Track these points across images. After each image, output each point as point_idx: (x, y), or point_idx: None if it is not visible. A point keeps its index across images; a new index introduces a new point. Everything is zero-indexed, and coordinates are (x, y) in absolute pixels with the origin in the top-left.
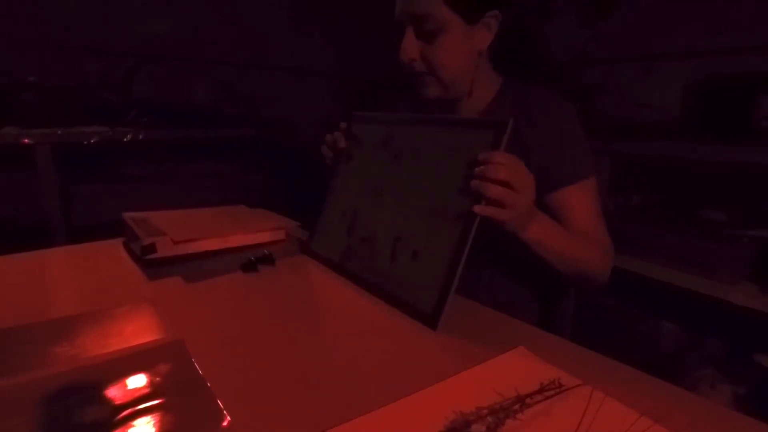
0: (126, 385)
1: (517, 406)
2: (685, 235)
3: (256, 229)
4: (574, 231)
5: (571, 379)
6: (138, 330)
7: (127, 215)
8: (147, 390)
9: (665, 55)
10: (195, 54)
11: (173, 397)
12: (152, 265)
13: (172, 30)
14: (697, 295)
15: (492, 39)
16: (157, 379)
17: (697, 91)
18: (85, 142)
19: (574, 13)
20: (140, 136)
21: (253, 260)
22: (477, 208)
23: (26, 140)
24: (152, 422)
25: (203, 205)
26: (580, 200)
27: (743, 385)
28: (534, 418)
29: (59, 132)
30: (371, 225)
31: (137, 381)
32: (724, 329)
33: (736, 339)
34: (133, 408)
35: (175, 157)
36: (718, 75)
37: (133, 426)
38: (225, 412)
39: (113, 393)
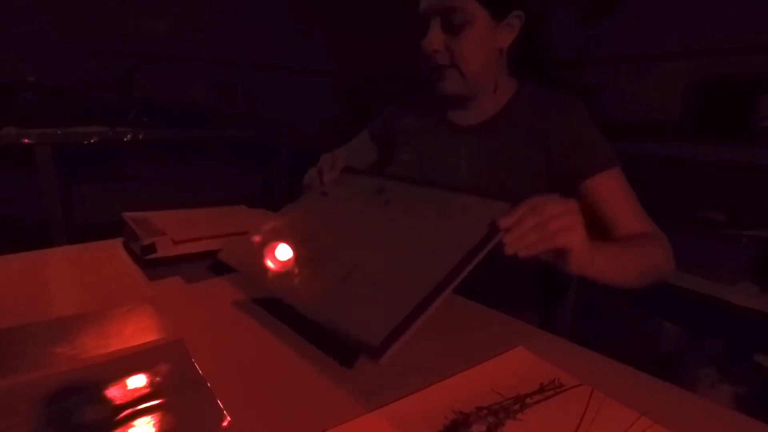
0: (126, 385)
1: (517, 406)
2: (685, 235)
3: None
4: (618, 217)
5: (571, 379)
6: (138, 330)
7: (127, 215)
8: (147, 390)
9: (665, 55)
10: (195, 54)
11: (173, 397)
12: (152, 265)
13: (172, 30)
14: (697, 295)
15: (513, 39)
16: (157, 379)
17: (697, 91)
18: (85, 142)
19: (574, 13)
20: (140, 136)
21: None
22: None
23: (26, 140)
24: (152, 422)
25: (203, 205)
26: (615, 186)
27: (743, 385)
28: (534, 418)
29: (59, 132)
30: (324, 248)
31: (137, 381)
32: (724, 329)
33: (736, 339)
34: (133, 408)
35: (175, 157)
36: (718, 75)
37: (133, 426)
38: (225, 412)
39: (113, 393)
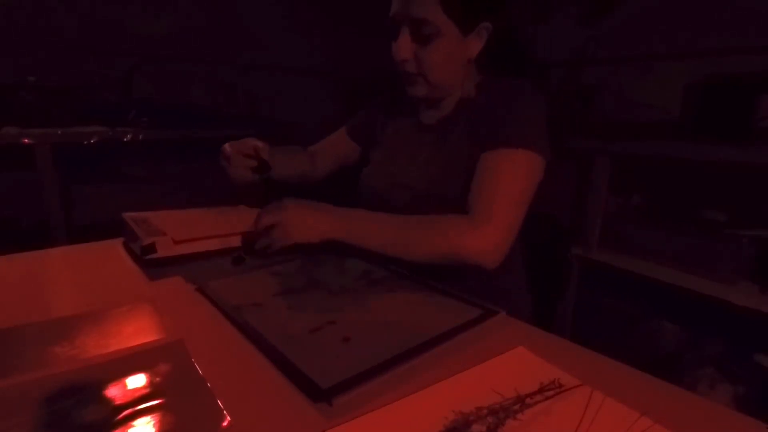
0: (126, 385)
1: (517, 406)
2: (685, 235)
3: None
4: (470, 196)
5: (571, 379)
6: (138, 330)
7: (127, 215)
8: (147, 390)
9: (665, 55)
10: (195, 54)
11: (173, 397)
12: (152, 265)
13: (172, 30)
14: (697, 295)
15: (481, 48)
16: (157, 379)
17: (697, 91)
18: (85, 142)
19: (573, 12)
20: (140, 136)
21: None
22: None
23: (26, 140)
24: (152, 422)
25: (203, 205)
26: (494, 166)
27: (743, 385)
28: (534, 418)
29: (59, 132)
30: (304, 302)
31: (137, 381)
32: (724, 329)
33: (736, 339)
34: (133, 408)
35: (175, 157)
36: (718, 75)
37: (133, 426)
38: (225, 412)
39: (113, 393)
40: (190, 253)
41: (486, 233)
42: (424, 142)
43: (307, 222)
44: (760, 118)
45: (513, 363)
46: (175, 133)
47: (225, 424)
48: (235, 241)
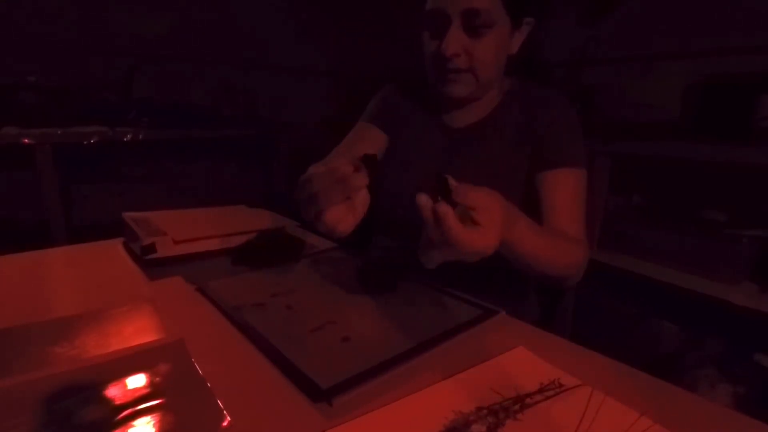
0: (126, 385)
1: (517, 406)
2: (685, 235)
3: (256, 229)
4: (553, 216)
5: (571, 379)
6: (138, 330)
7: (127, 215)
8: (147, 390)
9: (665, 55)
10: (195, 54)
11: (173, 397)
12: (152, 265)
13: (172, 30)
14: (697, 295)
15: (521, 43)
16: (157, 379)
17: (697, 91)
18: (85, 142)
19: (573, 12)
20: (140, 136)
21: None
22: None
23: (26, 140)
24: (152, 422)
25: (203, 205)
26: (566, 185)
27: (743, 385)
28: (534, 418)
29: (59, 132)
30: (305, 302)
31: (137, 381)
32: (724, 329)
33: (736, 339)
34: (133, 408)
35: (175, 157)
36: (718, 75)
37: (133, 426)
38: (225, 412)
39: (113, 393)
40: (190, 253)
41: (587, 257)
42: (453, 145)
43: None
44: (760, 118)
45: (513, 363)
46: (175, 133)
47: (225, 424)
48: (236, 241)
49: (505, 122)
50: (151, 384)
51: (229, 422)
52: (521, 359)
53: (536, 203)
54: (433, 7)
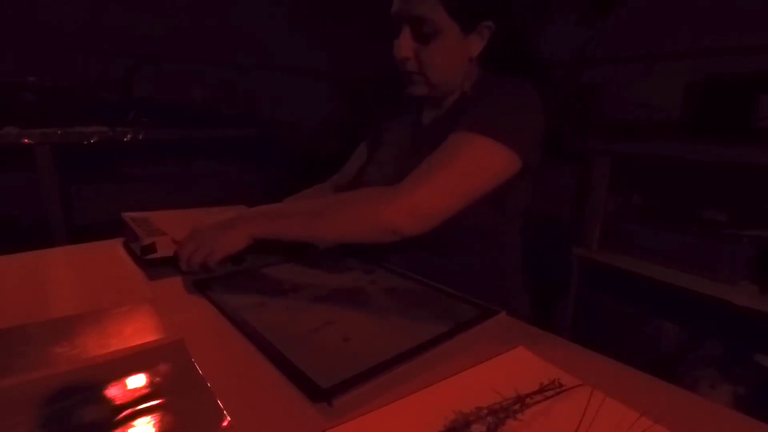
0: (126, 385)
1: (517, 406)
2: (685, 235)
3: None
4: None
5: (571, 379)
6: (138, 330)
7: (127, 215)
8: (147, 390)
9: (665, 55)
10: (195, 54)
11: (173, 397)
12: (152, 265)
13: (172, 30)
14: (697, 295)
15: (483, 47)
16: (157, 379)
17: (698, 91)
18: (85, 142)
19: (574, 12)
20: (140, 136)
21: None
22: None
23: (26, 140)
24: (152, 422)
25: (203, 205)
26: (446, 146)
27: (743, 385)
28: (534, 418)
29: (59, 132)
30: (304, 302)
31: (137, 381)
32: (724, 329)
33: (736, 339)
34: (133, 408)
35: (175, 157)
36: (718, 75)
37: (133, 426)
38: (225, 412)
39: (113, 393)
40: None
41: (404, 200)
42: (421, 141)
43: (225, 232)
44: (760, 118)
45: (513, 363)
46: (175, 133)
47: (225, 424)
48: None
49: (460, 113)
50: (151, 384)
51: (229, 422)
52: (521, 359)
53: None
54: (391, 12)
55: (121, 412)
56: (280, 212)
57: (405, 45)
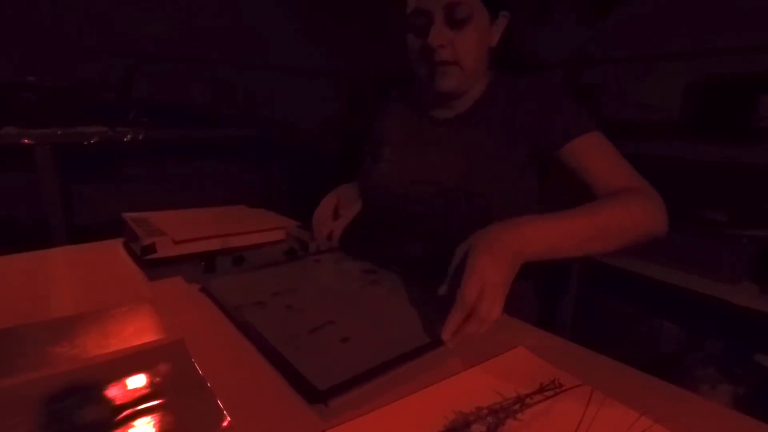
0: (126, 385)
1: (517, 406)
2: (685, 235)
3: (256, 229)
4: (593, 178)
5: (571, 379)
6: (138, 330)
7: (127, 215)
8: (147, 390)
9: (665, 55)
10: (195, 54)
11: (173, 397)
12: (152, 265)
13: (172, 30)
14: (697, 295)
15: (499, 38)
16: (157, 379)
17: (697, 91)
18: (85, 142)
19: (573, 12)
20: (140, 136)
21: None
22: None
23: (26, 140)
24: (152, 422)
25: (203, 205)
26: (589, 148)
27: (743, 385)
28: (534, 418)
29: (59, 132)
30: (304, 301)
31: (137, 381)
32: (725, 329)
33: (737, 339)
34: (133, 408)
35: (175, 157)
36: (718, 75)
37: (133, 426)
38: (225, 412)
39: (113, 393)
40: (190, 253)
41: (660, 200)
42: (440, 136)
43: (507, 262)
44: (760, 118)
45: (513, 363)
46: (175, 133)
47: (225, 424)
48: (235, 242)
49: (490, 113)
50: (151, 384)
51: (229, 422)
52: (521, 359)
53: (576, 181)
54: (415, 7)
55: (121, 412)
56: (552, 221)
57: (440, 32)
